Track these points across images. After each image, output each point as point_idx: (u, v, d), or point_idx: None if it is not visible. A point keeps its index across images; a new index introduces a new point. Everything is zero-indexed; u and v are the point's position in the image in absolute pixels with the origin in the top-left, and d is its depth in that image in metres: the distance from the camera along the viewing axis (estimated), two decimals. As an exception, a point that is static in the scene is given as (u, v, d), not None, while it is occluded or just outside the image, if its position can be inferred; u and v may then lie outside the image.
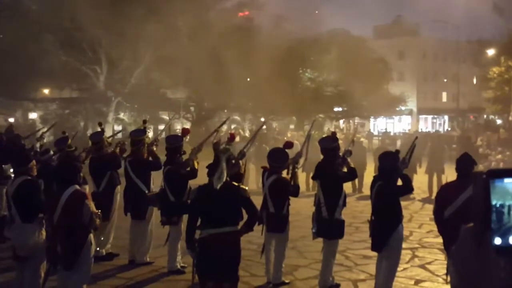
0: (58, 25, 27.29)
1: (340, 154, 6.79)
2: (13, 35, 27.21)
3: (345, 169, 6.73)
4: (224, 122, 10.07)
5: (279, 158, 6.74)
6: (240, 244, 4.90)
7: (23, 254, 5.81)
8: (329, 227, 6.57)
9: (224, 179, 4.74)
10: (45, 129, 11.67)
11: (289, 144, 7.20)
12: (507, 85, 35.68)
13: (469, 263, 2.86)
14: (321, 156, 6.88)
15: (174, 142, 7.64)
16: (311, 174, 14.60)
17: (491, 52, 41.18)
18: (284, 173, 6.88)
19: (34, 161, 6.22)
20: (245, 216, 4.94)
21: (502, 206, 2.55)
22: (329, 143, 6.82)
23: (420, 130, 44.20)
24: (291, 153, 7.00)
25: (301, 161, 6.94)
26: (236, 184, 4.91)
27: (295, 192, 6.75)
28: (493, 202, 2.54)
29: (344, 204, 6.72)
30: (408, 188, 6.18)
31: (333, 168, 6.61)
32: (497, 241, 2.57)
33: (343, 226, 6.67)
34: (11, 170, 7.23)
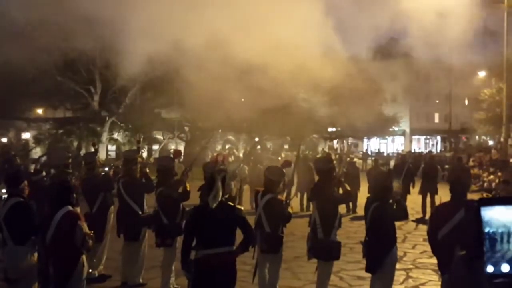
0: (53, 45, 27.37)
1: (335, 174, 6.82)
2: (7, 54, 27.22)
3: (340, 191, 6.75)
4: (208, 140, 10.01)
5: (276, 173, 6.73)
6: (236, 265, 4.87)
7: (14, 276, 5.74)
8: (325, 248, 6.55)
9: (219, 199, 4.74)
10: (40, 153, 11.77)
11: (287, 163, 7.25)
12: (499, 106, 36.00)
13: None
14: (314, 176, 6.89)
15: (165, 163, 7.64)
16: (305, 195, 14.67)
17: (482, 74, 41.70)
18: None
19: (25, 182, 6.19)
20: (238, 237, 4.92)
21: (494, 234, 2.56)
22: (325, 165, 6.85)
23: (413, 151, 44.40)
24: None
25: (293, 190, 6.94)
26: (231, 204, 4.91)
27: (288, 217, 6.66)
28: (486, 230, 2.56)
29: (340, 225, 6.71)
30: (403, 215, 6.22)
31: (329, 190, 6.62)
32: (490, 269, 2.58)
33: (339, 247, 6.65)
34: (3, 190, 7.19)
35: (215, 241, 4.72)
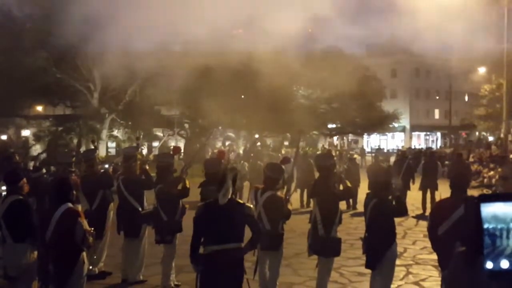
0: (52, 42, 27.37)
1: (335, 171, 6.81)
2: (6, 52, 27.21)
3: (341, 187, 6.75)
4: (208, 137, 10.06)
5: (276, 170, 6.73)
6: (243, 262, 4.87)
7: (14, 274, 5.74)
8: (326, 245, 6.55)
9: (229, 196, 4.76)
10: (40, 150, 11.85)
11: (286, 160, 7.26)
12: (499, 102, 36.02)
13: (462, 287, 2.87)
14: (314, 173, 6.90)
15: (165, 160, 7.63)
16: (305, 191, 14.68)
17: (482, 70, 41.67)
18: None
19: (24, 179, 6.17)
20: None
21: (494, 230, 2.57)
22: (325, 161, 6.85)
23: (413, 147, 44.44)
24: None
25: (292, 186, 6.95)
26: (241, 201, 4.93)
27: (287, 214, 6.67)
28: (485, 226, 2.57)
29: (340, 222, 6.72)
30: (402, 211, 6.23)
31: (330, 187, 6.62)
32: (489, 265, 2.58)
33: (340, 244, 6.65)
34: (3, 188, 7.19)
35: (224, 237, 4.74)
